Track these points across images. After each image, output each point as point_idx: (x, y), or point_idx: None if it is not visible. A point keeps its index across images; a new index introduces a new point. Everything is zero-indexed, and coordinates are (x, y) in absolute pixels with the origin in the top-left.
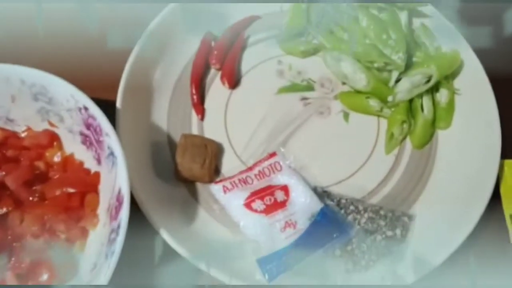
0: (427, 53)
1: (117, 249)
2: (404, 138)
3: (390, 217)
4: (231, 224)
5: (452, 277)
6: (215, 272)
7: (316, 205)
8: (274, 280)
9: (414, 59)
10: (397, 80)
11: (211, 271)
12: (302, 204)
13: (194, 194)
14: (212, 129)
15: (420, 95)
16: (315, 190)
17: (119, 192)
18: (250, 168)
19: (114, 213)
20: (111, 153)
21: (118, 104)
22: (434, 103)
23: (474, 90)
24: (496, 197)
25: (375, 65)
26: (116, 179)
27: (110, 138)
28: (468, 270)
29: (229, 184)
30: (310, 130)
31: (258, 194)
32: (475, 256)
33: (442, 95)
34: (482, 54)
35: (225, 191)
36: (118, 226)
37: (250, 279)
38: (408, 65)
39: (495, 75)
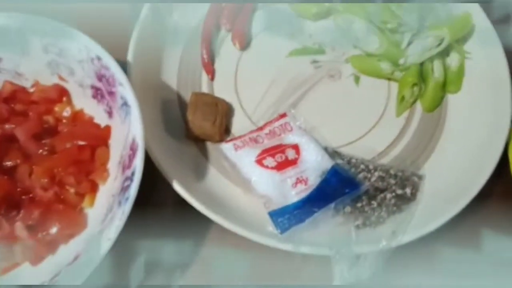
0: (439, 17)
1: (132, 195)
2: (415, 101)
3: (400, 176)
4: (242, 181)
5: (459, 239)
6: (226, 224)
7: (327, 163)
8: (286, 232)
9: (426, 22)
10: (409, 43)
11: (223, 222)
12: (313, 162)
13: (204, 152)
14: (222, 90)
15: (431, 59)
16: (325, 150)
17: (133, 140)
18: (260, 128)
19: (127, 162)
20: (125, 103)
21: (129, 58)
22: (445, 67)
23: (485, 54)
24: (504, 162)
25: (388, 26)
26: (129, 128)
27: (124, 88)
28: (475, 232)
29: (240, 142)
30: (320, 92)
31: (270, 151)
32: (483, 218)
33: (453, 59)
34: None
35: (236, 149)
36: (133, 173)
37: (262, 231)
38: (420, 28)
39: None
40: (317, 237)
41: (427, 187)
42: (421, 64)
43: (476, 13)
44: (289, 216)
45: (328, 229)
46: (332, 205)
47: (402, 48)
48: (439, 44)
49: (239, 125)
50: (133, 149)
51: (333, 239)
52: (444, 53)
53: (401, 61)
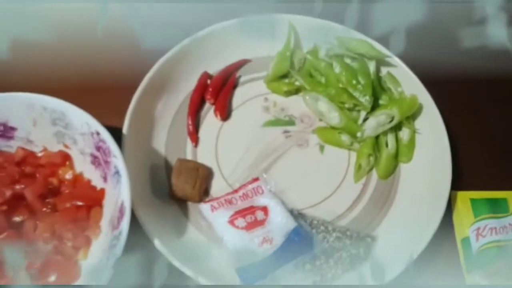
0: (391, 97)
1: (118, 252)
2: (371, 170)
3: (355, 237)
4: (216, 239)
5: None
6: (199, 278)
7: (291, 224)
8: (247, 283)
9: (380, 101)
10: (365, 119)
11: (196, 276)
12: (279, 223)
13: (185, 211)
14: (204, 155)
15: (385, 133)
16: (291, 212)
17: (122, 204)
18: (235, 191)
19: (116, 223)
20: (117, 172)
21: (124, 130)
22: (397, 140)
23: (431, 130)
24: (450, 224)
25: (346, 105)
26: (119, 194)
27: (117, 159)
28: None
29: (216, 203)
30: (290, 159)
31: (241, 213)
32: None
33: (404, 133)
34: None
35: (212, 210)
36: (120, 233)
37: (230, 283)
38: (374, 107)
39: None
40: None
41: (379, 246)
42: (376, 137)
43: (422, 93)
44: (253, 271)
45: (289, 284)
46: (293, 262)
47: (359, 124)
48: (391, 121)
49: (217, 186)
50: (121, 212)
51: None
52: (396, 128)
53: (359, 135)
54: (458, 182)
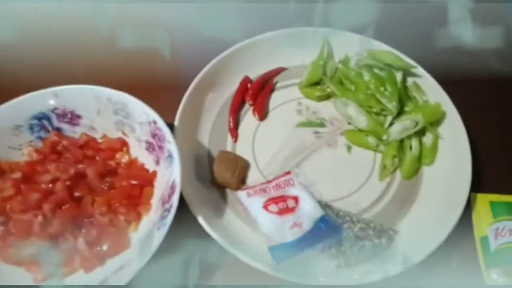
0: (416, 104)
1: (168, 222)
2: (395, 170)
3: (378, 229)
4: (251, 222)
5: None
6: (236, 253)
7: (318, 212)
8: (280, 264)
9: (406, 108)
10: (391, 124)
11: (234, 251)
12: (308, 211)
13: (224, 196)
14: (242, 149)
15: (410, 137)
16: (319, 202)
17: (173, 183)
18: (269, 181)
19: (167, 198)
20: (170, 155)
21: (176, 122)
22: (421, 144)
23: (453, 136)
24: (469, 224)
25: (374, 110)
26: (171, 174)
27: (171, 144)
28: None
29: (252, 191)
30: (319, 157)
31: (274, 200)
32: (448, 270)
33: (428, 138)
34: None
35: (248, 196)
36: (170, 206)
37: (262, 261)
38: (400, 112)
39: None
40: (306, 270)
41: (400, 239)
42: (401, 140)
43: (445, 101)
44: (284, 251)
45: (315, 265)
46: (320, 245)
47: (385, 127)
48: (415, 126)
49: (253, 177)
50: (172, 189)
51: (317, 273)
52: (420, 133)
53: (384, 137)
54: (478, 184)
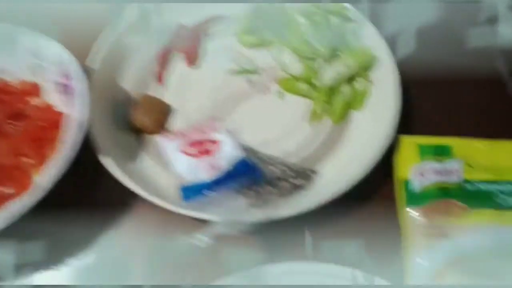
0: (349, 49)
1: (68, 161)
2: (326, 115)
3: (299, 171)
4: (167, 164)
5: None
6: (143, 194)
7: (238, 155)
8: (189, 201)
9: (338, 53)
10: (322, 69)
11: (141, 192)
12: (228, 154)
13: (142, 141)
14: (169, 96)
15: (341, 82)
16: (244, 147)
17: (80, 124)
18: (193, 127)
19: (73, 140)
20: (81, 96)
21: (95, 65)
22: (352, 89)
23: (385, 81)
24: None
25: (307, 55)
26: (80, 115)
27: (82, 85)
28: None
29: (172, 135)
30: (250, 104)
31: (193, 143)
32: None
33: (359, 83)
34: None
35: (166, 140)
36: (75, 147)
37: (171, 201)
38: (333, 57)
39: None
40: (216, 209)
41: (320, 180)
42: (332, 85)
43: (380, 47)
44: (195, 190)
45: (228, 204)
46: (235, 186)
47: (317, 73)
48: (347, 71)
49: (179, 125)
50: (79, 129)
51: (228, 211)
52: (352, 78)
53: (317, 83)
54: (408, 128)
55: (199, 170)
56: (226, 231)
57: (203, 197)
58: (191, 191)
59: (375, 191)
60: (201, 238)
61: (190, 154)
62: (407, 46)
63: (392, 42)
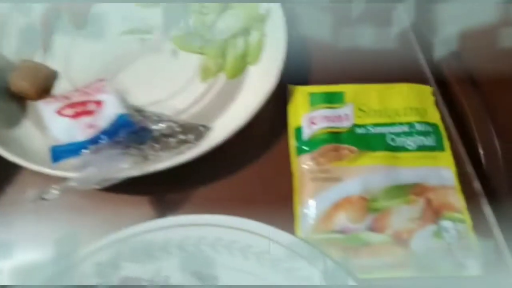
0: (240, 2)
1: None
2: (219, 70)
3: (187, 126)
4: (44, 128)
5: None
6: (16, 159)
7: (119, 113)
8: (57, 162)
9: (230, 5)
10: (215, 23)
11: (14, 158)
12: (109, 113)
13: (24, 108)
14: (54, 61)
15: (234, 35)
16: (131, 107)
17: None
18: (77, 89)
19: None
20: None
21: None
22: (246, 43)
23: (277, 33)
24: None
25: (198, 10)
26: None
27: None
28: None
29: (53, 99)
30: (142, 64)
31: (73, 105)
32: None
33: (253, 36)
34: None
35: (46, 104)
36: None
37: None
38: (224, 11)
39: None
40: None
41: (211, 135)
42: (225, 40)
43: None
44: (68, 150)
45: (108, 163)
46: (115, 145)
47: (210, 27)
48: (238, 24)
49: (64, 88)
50: None
51: (109, 170)
52: (246, 31)
53: (209, 37)
54: (303, 79)
55: (74, 131)
56: (78, 186)
57: (75, 155)
58: (62, 151)
59: (274, 143)
60: (51, 192)
61: (66, 115)
62: None
63: None
